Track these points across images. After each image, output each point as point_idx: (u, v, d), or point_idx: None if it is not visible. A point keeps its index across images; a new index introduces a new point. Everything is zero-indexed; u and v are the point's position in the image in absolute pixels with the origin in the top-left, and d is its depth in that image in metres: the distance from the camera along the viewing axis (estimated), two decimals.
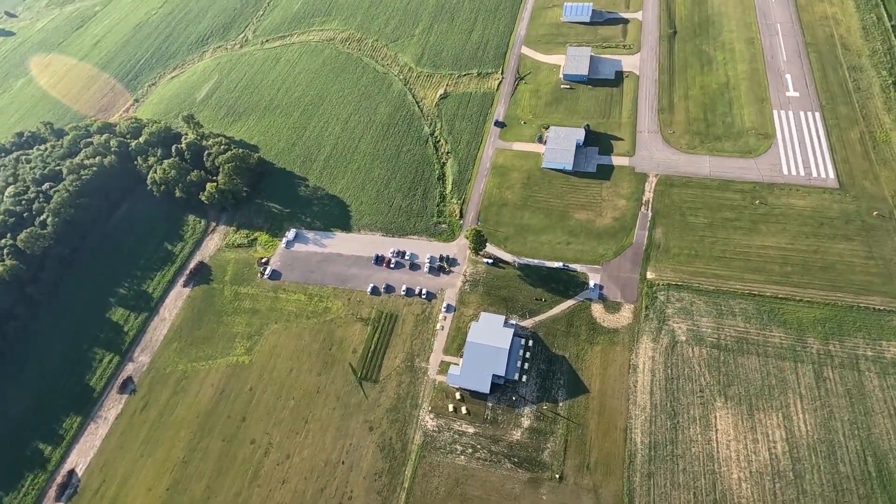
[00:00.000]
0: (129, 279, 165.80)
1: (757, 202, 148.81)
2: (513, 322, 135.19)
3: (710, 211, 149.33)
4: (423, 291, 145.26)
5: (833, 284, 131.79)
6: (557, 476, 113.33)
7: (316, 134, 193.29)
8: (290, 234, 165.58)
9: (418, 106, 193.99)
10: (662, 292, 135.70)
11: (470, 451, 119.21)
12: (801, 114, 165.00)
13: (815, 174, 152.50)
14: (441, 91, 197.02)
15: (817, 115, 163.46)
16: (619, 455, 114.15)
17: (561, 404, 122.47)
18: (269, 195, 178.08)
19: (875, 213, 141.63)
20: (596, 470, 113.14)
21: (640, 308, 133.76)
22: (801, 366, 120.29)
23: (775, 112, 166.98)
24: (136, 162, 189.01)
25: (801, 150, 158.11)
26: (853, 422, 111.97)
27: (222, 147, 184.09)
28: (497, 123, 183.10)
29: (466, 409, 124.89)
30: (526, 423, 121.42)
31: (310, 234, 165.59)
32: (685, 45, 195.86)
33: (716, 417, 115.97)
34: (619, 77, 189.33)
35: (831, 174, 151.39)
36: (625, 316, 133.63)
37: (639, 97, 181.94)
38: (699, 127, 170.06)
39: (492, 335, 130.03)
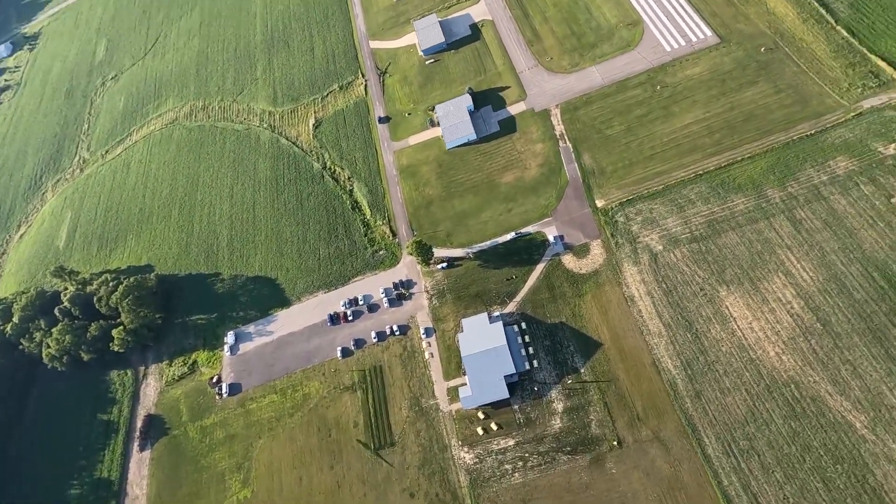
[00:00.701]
0: (76, 473, 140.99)
1: (658, 88, 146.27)
2: (497, 314, 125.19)
3: (621, 117, 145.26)
4: (395, 328, 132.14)
5: (761, 131, 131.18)
6: (615, 443, 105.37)
7: (205, 223, 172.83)
8: (230, 338, 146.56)
9: (296, 146, 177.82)
10: (619, 213, 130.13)
11: (520, 464, 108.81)
12: None
13: (694, 39, 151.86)
14: (312, 121, 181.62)
15: None
16: (661, 391, 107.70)
17: (583, 370, 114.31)
18: (187, 309, 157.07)
19: (762, 48, 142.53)
20: (647, 417, 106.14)
21: (608, 239, 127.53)
22: (774, 220, 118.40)
23: None
24: (21, 345, 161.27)
25: (671, 23, 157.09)
26: (844, 248, 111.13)
27: (111, 285, 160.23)
28: (382, 120, 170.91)
29: (496, 423, 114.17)
30: (559, 406, 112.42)
31: (250, 329, 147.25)
32: None
33: (727, 307, 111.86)
34: (476, 30, 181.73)
35: (708, 32, 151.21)
36: (597, 253, 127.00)
37: (503, 40, 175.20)
38: (572, 43, 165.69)
39: (484, 338, 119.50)
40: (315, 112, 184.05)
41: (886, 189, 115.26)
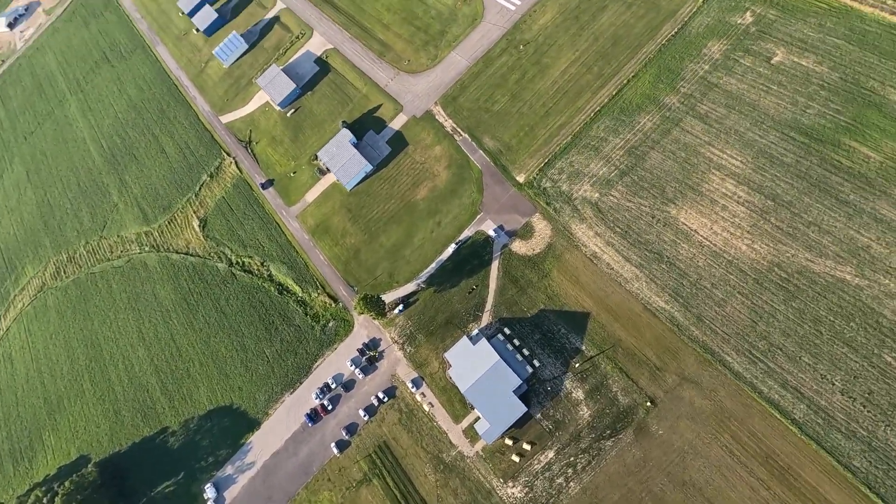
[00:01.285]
0: None
1: (521, 48, 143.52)
2: (476, 332, 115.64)
3: (501, 88, 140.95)
4: (381, 396, 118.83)
5: (632, 48, 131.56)
6: (649, 403, 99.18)
7: (127, 381, 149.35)
8: (209, 492, 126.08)
9: (190, 255, 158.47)
10: (544, 180, 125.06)
11: (570, 471, 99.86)
12: None
13: None
14: (196, 222, 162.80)
15: None
16: (665, 331, 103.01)
17: (584, 347, 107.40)
18: (147, 484, 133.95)
19: None
20: (665, 364, 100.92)
21: (544, 208, 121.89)
22: (683, 124, 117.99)
23: None
24: None
25: None
26: (755, 122, 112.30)
27: (45, 498, 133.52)
28: (265, 185, 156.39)
29: (527, 442, 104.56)
30: (580, 394, 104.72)
31: (228, 470, 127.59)
32: None
33: (684, 223, 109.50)
34: (323, 63, 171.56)
35: None
36: (541, 227, 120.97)
37: (355, 62, 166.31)
38: (421, 39, 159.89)
39: (475, 362, 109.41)
40: (195, 212, 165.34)
41: (762, 54, 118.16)
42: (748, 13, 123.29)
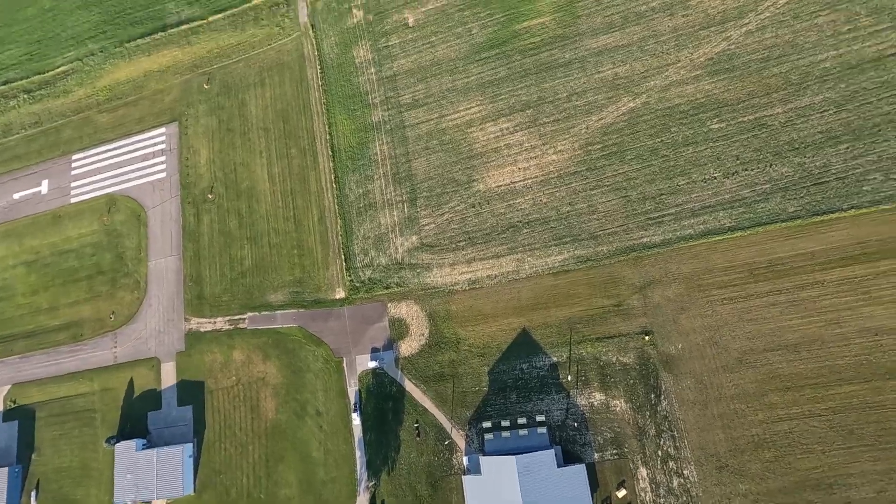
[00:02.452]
0: None
1: (210, 196, 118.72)
2: (467, 461, 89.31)
3: (232, 242, 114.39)
4: None
5: (303, 108, 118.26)
6: (646, 337, 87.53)
7: None
8: None
9: None
10: (359, 273, 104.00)
11: (672, 465, 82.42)
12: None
13: None
14: None
15: None
16: (583, 273, 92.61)
17: (554, 358, 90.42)
18: None
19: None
20: (617, 294, 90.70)
21: (390, 294, 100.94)
22: (407, 121, 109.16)
23: None
24: None
25: None
26: (450, 69, 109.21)
27: None
28: None
29: (616, 490, 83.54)
30: (599, 396, 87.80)
31: None
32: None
33: (497, 185, 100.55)
34: (18, 411, 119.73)
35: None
36: (405, 311, 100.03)
37: (53, 375, 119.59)
38: (104, 281, 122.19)
39: (497, 483, 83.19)
40: None
41: (398, 25, 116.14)
42: (355, 11, 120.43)
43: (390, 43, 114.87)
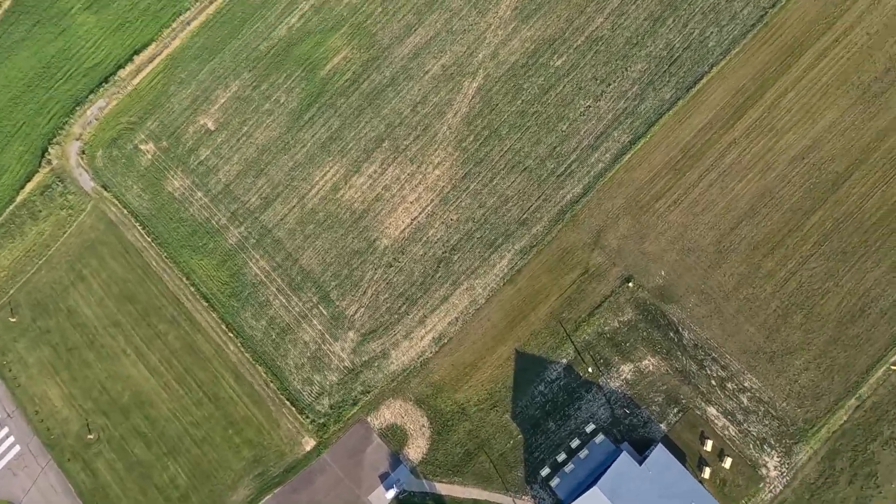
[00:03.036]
0: None
1: (48, 331, 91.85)
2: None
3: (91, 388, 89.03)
4: None
5: (175, 303, 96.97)
6: (630, 284, 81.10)
7: None
8: None
9: None
10: (322, 401, 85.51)
11: (731, 386, 75.77)
12: None
13: None
14: None
15: None
16: (544, 261, 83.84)
17: (563, 360, 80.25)
18: None
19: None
20: (582, 261, 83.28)
21: (363, 406, 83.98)
22: (262, 245, 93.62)
23: None
24: None
25: None
26: (268, 159, 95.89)
27: None
28: None
29: (704, 449, 74.84)
30: (627, 369, 79.03)
31: None
32: None
33: (398, 234, 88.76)
34: None
35: None
36: (394, 413, 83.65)
37: None
38: None
39: None
40: None
41: (198, 134, 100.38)
42: (142, 147, 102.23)
43: (202, 157, 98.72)
